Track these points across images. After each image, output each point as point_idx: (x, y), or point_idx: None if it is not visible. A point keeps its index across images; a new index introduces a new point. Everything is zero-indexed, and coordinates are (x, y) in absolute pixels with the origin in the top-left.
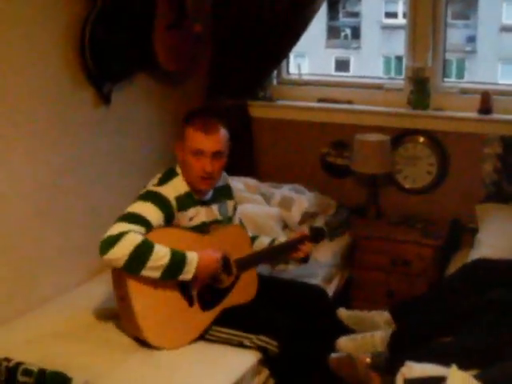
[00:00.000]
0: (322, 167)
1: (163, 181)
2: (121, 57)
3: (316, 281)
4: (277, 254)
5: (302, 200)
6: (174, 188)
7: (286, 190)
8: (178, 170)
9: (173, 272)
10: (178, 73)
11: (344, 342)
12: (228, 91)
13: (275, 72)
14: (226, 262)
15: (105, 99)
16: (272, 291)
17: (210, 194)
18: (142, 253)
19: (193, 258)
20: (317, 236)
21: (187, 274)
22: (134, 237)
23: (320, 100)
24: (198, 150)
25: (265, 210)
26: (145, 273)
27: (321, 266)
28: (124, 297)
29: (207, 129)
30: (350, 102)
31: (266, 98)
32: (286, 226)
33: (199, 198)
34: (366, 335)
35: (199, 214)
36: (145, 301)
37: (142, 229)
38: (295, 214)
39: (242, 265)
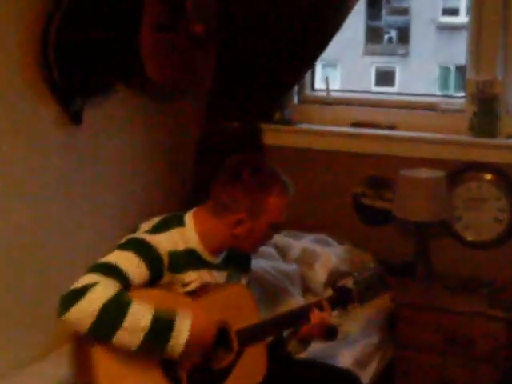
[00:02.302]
0: (356, 212)
1: (159, 228)
2: (96, 65)
3: (346, 363)
4: (289, 322)
5: (329, 254)
6: (171, 240)
7: (307, 242)
8: (188, 219)
9: (157, 339)
10: (170, 86)
11: None
12: (234, 112)
13: (296, 87)
14: (224, 334)
15: (74, 118)
16: (287, 376)
17: (221, 256)
18: (114, 310)
19: (184, 321)
20: (341, 299)
21: (177, 343)
22: (104, 289)
23: (354, 124)
24: (280, 223)
25: (278, 266)
26: (119, 338)
27: (352, 344)
28: (88, 382)
29: (288, 195)
30: (393, 128)
31: (284, 120)
32: (307, 290)
33: (209, 260)
34: None
35: (200, 280)
36: None
37: (116, 284)
38: (320, 273)
39: (246, 337)
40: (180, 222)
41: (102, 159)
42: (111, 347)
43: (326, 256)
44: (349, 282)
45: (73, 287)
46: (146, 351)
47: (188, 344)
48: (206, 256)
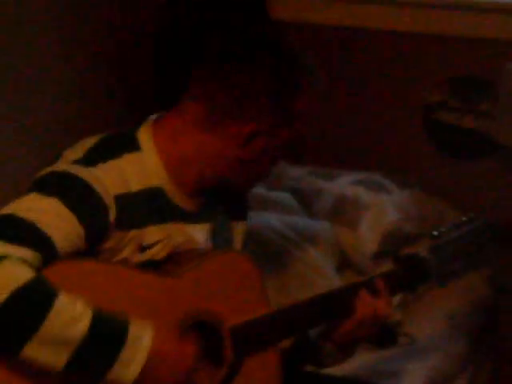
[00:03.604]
0: (429, 135)
1: (97, 155)
2: None
3: None
4: (319, 313)
5: (384, 205)
6: (119, 175)
7: (347, 184)
8: (144, 138)
9: (97, 355)
10: None
11: None
12: None
13: None
14: (210, 334)
15: None
16: None
17: (199, 201)
18: (28, 307)
19: (143, 330)
20: (409, 276)
21: (127, 368)
22: (14, 269)
23: None
24: (301, 142)
25: (299, 224)
26: (32, 353)
27: (422, 354)
28: None
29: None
30: None
31: None
32: (346, 264)
33: (181, 206)
34: None
35: (168, 240)
36: None
37: (33, 255)
38: (368, 237)
39: (247, 339)
40: (131, 144)
41: None
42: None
43: (380, 208)
44: (422, 248)
45: None
46: (77, 373)
47: (148, 368)
48: (177, 199)
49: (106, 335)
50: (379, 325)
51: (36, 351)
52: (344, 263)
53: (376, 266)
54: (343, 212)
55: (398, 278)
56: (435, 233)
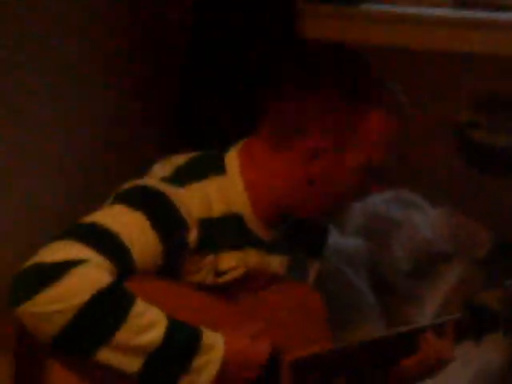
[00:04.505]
0: (463, 153)
1: (186, 175)
2: None
3: None
4: (383, 354)
5: (416, 222)
6: (204, 199)
7: (378, 202)
8: (231, 162)
9: (172, 361)
10: None
11: None
12: None
13: None
14: (269, 365)
15: None
16: None
17: (277, 231)
18: (108, 309)
19: (215, 340)
20: (478, 327)
21: (199, 376)
22: (96, 272)
23: (460, 2)
24: (379, 165)
25: (332, 243)
26: (107, 356)
27: None
28: None
29: (396, 117)
30: None
31: None
32: (376, 282)
33: (259, 234)
34: None
35: (243, 267)
36: None
37: (110, 265)
38: (401, 254)
39: (307, 374)
40: (218, 167)
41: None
42: (78, 364)
43: (412, 225)
44: (495, 299)
45: (41, 259)
46: (149, 380)
47: (223, 370)
48: (256, 227)
49: (180, 342)
50: (437, 370)
51: (111, 354)
52: (378, 281)
53: (406, 284)
54: (375, 230)
55: (466, 326)
56: (509, 283)
